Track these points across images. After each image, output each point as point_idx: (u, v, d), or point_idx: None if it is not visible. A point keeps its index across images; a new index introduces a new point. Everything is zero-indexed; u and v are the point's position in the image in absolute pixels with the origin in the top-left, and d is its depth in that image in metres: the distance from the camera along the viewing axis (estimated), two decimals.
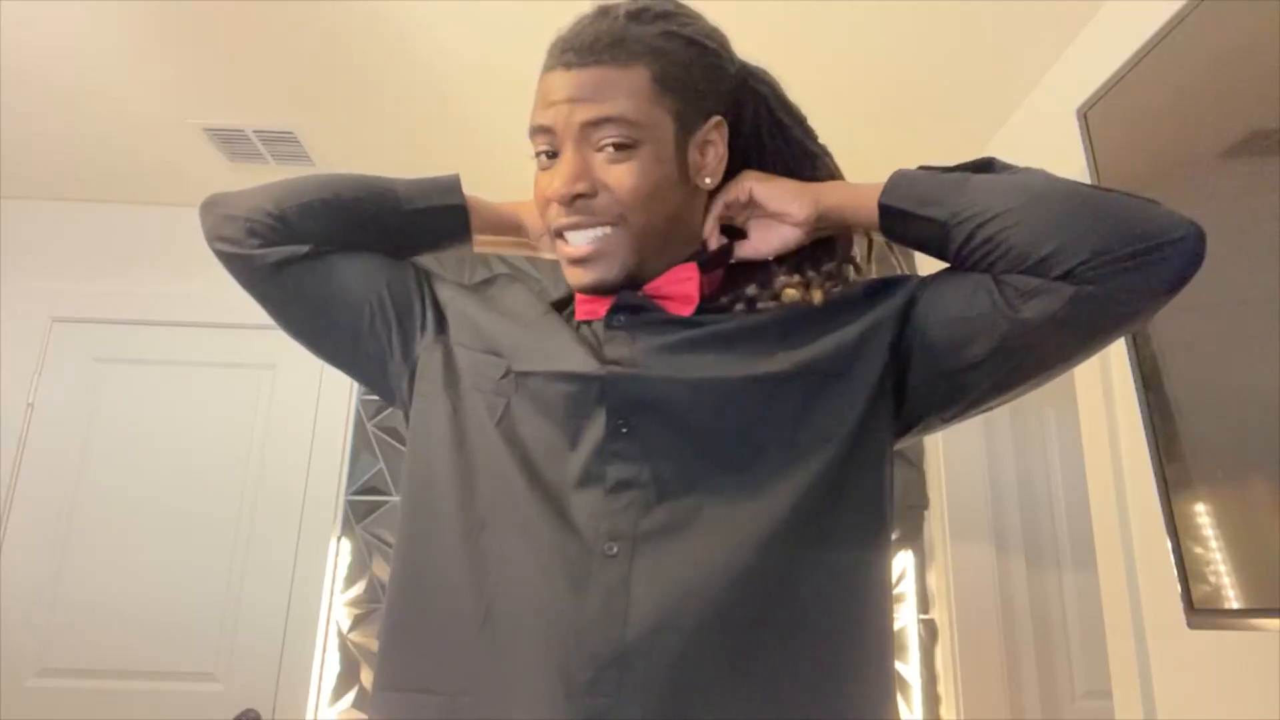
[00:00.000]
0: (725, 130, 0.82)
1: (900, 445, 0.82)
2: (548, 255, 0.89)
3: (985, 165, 0.78)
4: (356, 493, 2.46)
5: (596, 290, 0.79)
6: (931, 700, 2.33)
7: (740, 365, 0.75)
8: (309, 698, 2.27)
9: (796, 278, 0.81)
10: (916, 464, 2.46)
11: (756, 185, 0.82)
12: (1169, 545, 1.13)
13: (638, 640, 0.65)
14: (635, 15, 0.78)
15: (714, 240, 0.83)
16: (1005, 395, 0.78)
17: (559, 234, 0.78)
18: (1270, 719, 1.22)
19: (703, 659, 0.65)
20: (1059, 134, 1.77)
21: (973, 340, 0.74)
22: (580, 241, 0.77)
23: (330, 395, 2.52)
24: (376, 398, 2.45)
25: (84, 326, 2.55)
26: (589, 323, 0.82)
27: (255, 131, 2.24)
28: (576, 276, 0.79)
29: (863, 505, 0.75)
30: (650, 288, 0.80)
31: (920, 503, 2.45)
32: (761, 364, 0.75)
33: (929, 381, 0.78)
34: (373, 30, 1.84)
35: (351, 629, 2.36)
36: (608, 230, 0.76)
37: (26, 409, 2.48)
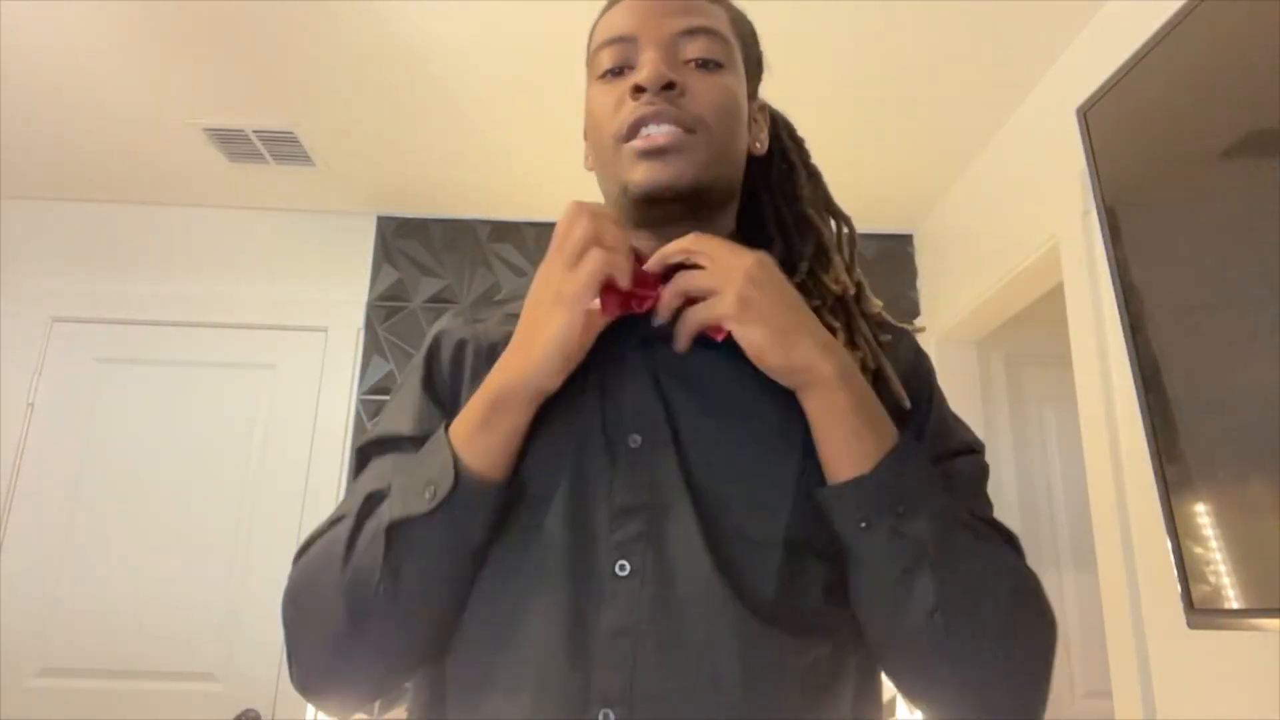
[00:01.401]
0: (768, 119, 0.80)
1: None
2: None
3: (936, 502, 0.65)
4: None
5: (664, 193, 0.69)
6: None
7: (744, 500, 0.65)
8: None
9: None
10: None
11: (754, 265, 0.65)
12: (1169, 545, 1.13)
13: None
14: None
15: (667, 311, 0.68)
16: None
17: (636, 127, 0.69)
18: (1270, 719, 1.22)
19: None
20: (1059, 134, 1.77)
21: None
22: (663, 131, 0.68)
23: (330, 395, 2.52)
24: (376, 398, 2.48)
25: (84, 326, 2.55)
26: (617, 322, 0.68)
27: (255, 131, 2.23)
28: (648, 172, 0.68)
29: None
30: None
31: None
32: (757, 521, 0.65)
33: None
34: (373, 30, 1.84)
35: None
36: (689, 134, 0.69)
37: (26, 409, 2.48)
